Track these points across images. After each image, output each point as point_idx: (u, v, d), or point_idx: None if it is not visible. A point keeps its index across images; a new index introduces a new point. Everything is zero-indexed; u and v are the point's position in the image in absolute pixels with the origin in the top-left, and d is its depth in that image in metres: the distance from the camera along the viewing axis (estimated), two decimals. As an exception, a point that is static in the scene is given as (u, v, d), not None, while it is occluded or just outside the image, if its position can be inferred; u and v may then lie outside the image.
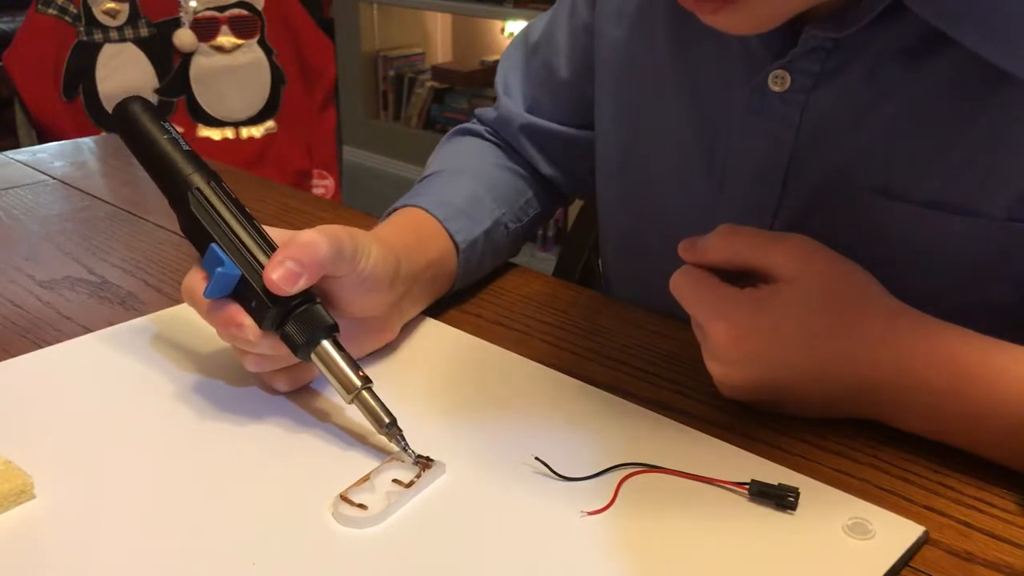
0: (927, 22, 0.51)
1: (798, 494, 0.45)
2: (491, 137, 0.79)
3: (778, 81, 0.58)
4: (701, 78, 0.64)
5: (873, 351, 0.49)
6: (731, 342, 0.49)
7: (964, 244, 0.55)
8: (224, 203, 0.52)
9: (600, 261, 0.82)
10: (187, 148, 0.53)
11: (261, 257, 0.50)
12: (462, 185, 0.71)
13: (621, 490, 0.46)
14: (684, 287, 0.52)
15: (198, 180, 0.52)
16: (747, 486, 0.45)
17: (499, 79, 0.80)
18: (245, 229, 0.51)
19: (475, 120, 0.82)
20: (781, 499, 0.45)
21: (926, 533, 0.44)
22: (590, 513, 0.44)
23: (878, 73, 0.55)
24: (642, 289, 0.72)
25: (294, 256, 0.49)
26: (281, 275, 0.48)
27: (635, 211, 0.72)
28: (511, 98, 0.79)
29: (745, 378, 0.51)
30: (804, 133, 0.58)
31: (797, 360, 0.50)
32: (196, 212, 0.51)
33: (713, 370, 0.52)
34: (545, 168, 0.78)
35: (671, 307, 0.55)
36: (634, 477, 0.47)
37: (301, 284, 0.49)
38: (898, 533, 0.43)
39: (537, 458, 0.47)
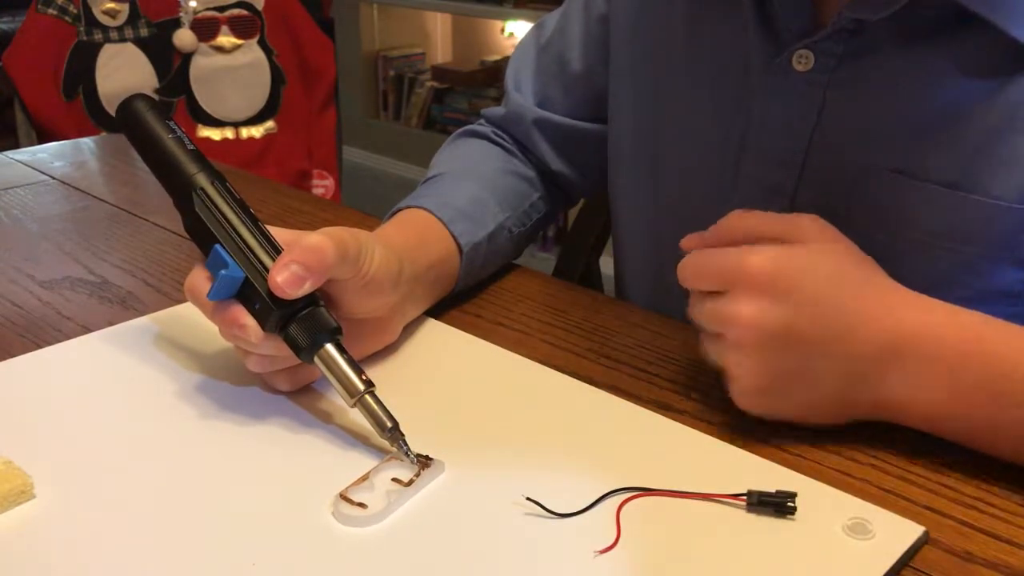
0: (951, 1, 0.51)
1: (795, 498, 0.44)
2: (498, 139, 0.79)
3: (802, 61, 0.58)
4: (719, 59, 0.64)
5: (896, 312, 0.48)
6: (767, 275, 0.47)
7: (977, 226, 0.55)
8: (228, 204, 0.51)
9: (613, 260, 0.82)
10: (192, 147, 0.53)
11: (265, 259, 0.50)
12: (466, 188, 0.70)
13: (621, 510, 0.45)
14: (692, 266, 0.51)
15: (203, 180, 0.52)
16: (744, 497, 0.45)
17: (509, 76, 0.80)
18: (249, 230, 0.51)
19: (481, 121, 0.82)
20: (780, 507, 0.44)
21: (926, 533, 0.44)
22: (601, 552, 0.42)
23: (901, 53, 0.56)
24: (657, 281, 0.72)
25: (299, 260, 0.49)
26: (286, 279, 0.48)
27: (651, 197, 0.72)
28: (522, 93, 0.79)
29: (774, 322, 0.47)
30: (826, 113, 0.59)
31: (827, 301, 0.47)
32: (200, 213, 0.51)
33: (738, 321, 0.47)
34: (556, 164, 0.78)
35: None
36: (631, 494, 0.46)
37: (306, 288, 0.49)
38: (898, 533, 0.43)
39: (528, 498, 0.45)
